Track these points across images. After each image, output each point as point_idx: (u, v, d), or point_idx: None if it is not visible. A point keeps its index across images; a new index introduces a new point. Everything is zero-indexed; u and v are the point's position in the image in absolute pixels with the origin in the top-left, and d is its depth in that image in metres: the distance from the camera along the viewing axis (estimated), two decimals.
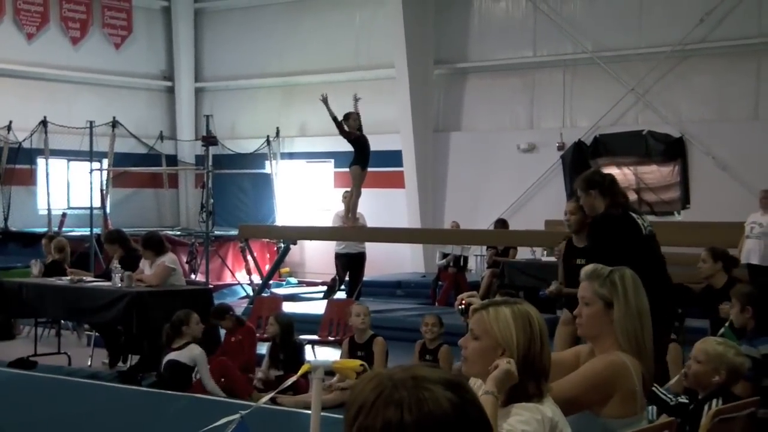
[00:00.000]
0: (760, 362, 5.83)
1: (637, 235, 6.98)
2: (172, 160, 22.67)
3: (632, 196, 16.84)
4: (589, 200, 7.17)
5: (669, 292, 6.98)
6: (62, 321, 12.54)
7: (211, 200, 18.42)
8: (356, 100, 14.19)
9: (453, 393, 1.69)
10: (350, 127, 13.58)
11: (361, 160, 13.80)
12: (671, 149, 16.84)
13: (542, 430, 3.20)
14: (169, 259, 10.69)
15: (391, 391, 1.68)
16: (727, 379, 5.00)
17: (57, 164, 20.35)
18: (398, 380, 1.70)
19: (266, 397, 4.92)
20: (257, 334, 10.54)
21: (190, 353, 9.10)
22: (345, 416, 1.74)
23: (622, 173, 17.36)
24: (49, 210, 19.44)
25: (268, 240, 19.35)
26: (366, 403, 1.69)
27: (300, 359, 9.16)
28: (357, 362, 4.09)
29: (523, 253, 15.22)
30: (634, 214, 7.14)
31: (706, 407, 4.90)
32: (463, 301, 4.14)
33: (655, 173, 17.13)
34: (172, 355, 9.12)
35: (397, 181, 18.91)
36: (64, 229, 18.56)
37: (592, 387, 3.74)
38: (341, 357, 9.00)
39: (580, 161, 17.62)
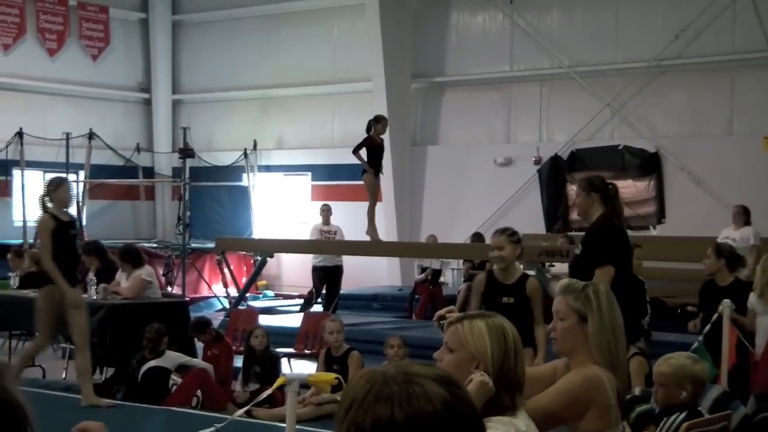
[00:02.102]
0: None
1: (629, 250, 7.08)
2: (149, 172, 22.61)
3: None
4: (587, 202, 7.18)
5: (640, 307, 7.04)
6: (36, 333, 12.46)
7: (188, 213, 18.39)
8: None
9: (444, 389, 1.68)
10: (377, 132, 12.74)
11: (373, 168, 12.87)
12: (647, 164, 16.95)
13: None
14: (146, 272, 10.67)
15: (381, 386, 1.68)
16: (694, 390, 5.00)
17: (33, 176, 20.23)
18: (390, 376, 1.69)
19: (241, 410, 4.91)
20: (233, 347, 10.53)
21: (170, 357, 9.26)
22: (337, 412, 1.74)
23: None
24: (24, 222, 19.32)
25: (244, 253, 19.30)
26: (357, 398, 1.68)
27: (276, 372, 9.16)
28: (332, 376, 4.10)
29: None
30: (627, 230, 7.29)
31: (665, 420, 4.92)
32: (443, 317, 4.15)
33: (631, 188, 17.20)
34: (151, 363, 9.19)
35: None
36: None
37: (569, 402, 3.75)
38: (317, 370, 9.02)
39: (557, 175, 17.73)
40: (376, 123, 12.78)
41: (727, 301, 7.24)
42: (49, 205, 9.10)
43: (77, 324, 9.10)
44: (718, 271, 8.26)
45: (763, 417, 5.78)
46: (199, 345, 10.52)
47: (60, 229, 9.01)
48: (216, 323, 12.36)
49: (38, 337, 9.61)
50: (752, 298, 7.79)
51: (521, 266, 7.81)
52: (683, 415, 4.88)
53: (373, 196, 13.16)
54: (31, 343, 10.09)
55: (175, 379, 9.43)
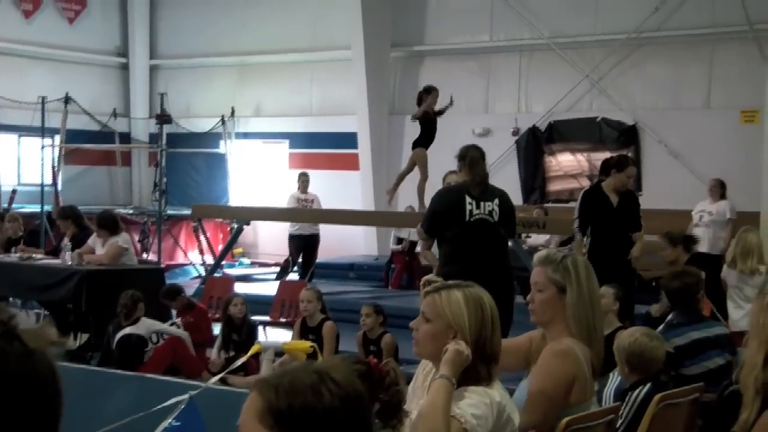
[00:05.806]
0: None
1: (454, 214, 7.43)
2: (126, 137, 22.42)
3: (585, 183, 16.98)
4: (460, 168, 7.77)
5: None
6: (10, 299, 12.40)
7: (165, 179, 18.30)
8: (451, 104, 12.91)
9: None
10: (429, 105, 12.34)
11: (426, 142, 12.72)
12: (624, 136, 16.97)
13: (491, 414, 3.23)
14: (122, 238, 10.63)
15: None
16: (653, 365, 5.04)
17: (7, 140, 20.08)
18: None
19: (216, 378, 4.90)
20: (209, 315, 10.50)
21: (146, 325, 9.21)
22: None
23: (575, 159, 17.48)
24: None
25: (221, 220, 19.25)
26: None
27: (253, 340, 9.15)
28: (307, 344, 4.09)
29: None
30: (468, 197, 7.37)
31: (630, 394, 4.94)
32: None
33: None
34: (126, 330, 9.14)
35: (351, 163, 18.87)
36: (14, 205, 18.33)
37: (565, 388, 3.77)
38: (292, 339, 9.00)
39: (535, 147, 17.74)
40: (427, 94, 12.22)
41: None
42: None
43: None
44: (677, 260, 8.23)
45: (733, 390, 5.81)
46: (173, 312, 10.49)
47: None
48: (191, 290, 12.34)
49: None
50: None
51: None
52: (647, 387, 4.91)
53: (424, 167, 12.68)
54: None
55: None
